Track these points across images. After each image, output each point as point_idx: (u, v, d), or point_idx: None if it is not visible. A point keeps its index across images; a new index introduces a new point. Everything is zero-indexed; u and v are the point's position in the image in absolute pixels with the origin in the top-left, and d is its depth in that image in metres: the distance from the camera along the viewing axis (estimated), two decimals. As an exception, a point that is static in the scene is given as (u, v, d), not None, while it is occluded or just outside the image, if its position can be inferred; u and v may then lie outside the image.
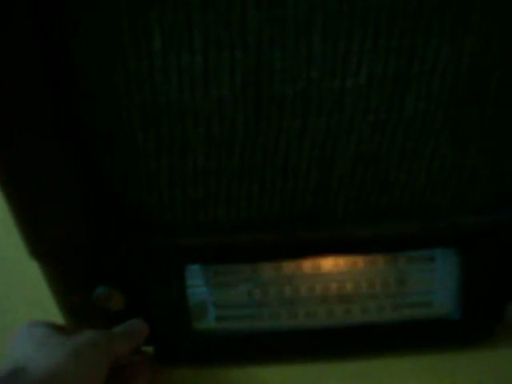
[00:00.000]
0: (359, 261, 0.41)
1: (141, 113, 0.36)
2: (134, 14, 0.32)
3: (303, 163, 0.38)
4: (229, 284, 0.42)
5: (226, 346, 0.43)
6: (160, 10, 0.33)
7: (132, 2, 0.32)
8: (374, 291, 0.42)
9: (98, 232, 0.39)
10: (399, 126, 0.37)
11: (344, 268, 0.41)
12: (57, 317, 0.43)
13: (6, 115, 0.34)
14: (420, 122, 0.37)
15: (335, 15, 0.33)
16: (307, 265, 0.41)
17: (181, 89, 0.35)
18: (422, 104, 0.36)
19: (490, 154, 0.38)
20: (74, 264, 0.39)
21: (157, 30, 0.33)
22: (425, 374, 0.43)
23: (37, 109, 0.34)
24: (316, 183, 0.38)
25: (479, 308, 0.42)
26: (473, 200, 0.40)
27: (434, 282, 0.42)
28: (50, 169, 0.35)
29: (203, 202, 0.39)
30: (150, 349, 0.43)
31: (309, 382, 0.43)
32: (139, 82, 0.35)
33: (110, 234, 0.39)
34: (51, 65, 0.33)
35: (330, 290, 0.42)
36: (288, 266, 0.41)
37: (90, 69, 0.34)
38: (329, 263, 0.41)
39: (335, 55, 0.34)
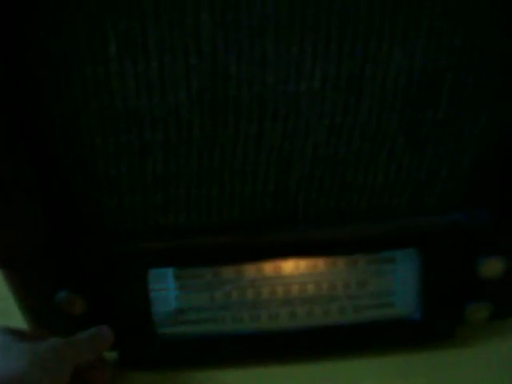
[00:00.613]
0: (320, 263, 0.41)
1: (99, 118, 0.36)
2: (89, 20, 0.33)
3: (261, 167, 0.38)
4: (191, 288, 0.42)
5: (189, 349, 0.43)
6: (114, 16, 0.33)
7: (87, 8, 0.33)
8: (335, 293, 0.43)
9: (59, 237, 0.39)
10: (355, 129, 0.37)
11: (305, 270, 0.41)
12: (21, 322, 0.43)
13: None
14: (375, 125, 0.37)
15: (287, 20, 0.34)
16: (268, 267, 0.41)
17: (137, 94, 0.35)
18: (376, 107, 0.37)
19: (446, 156, 0.39)
20: (35, 269, 0.39)
21: (112, 37, 0.34)
22: (387, 374, 0.43)
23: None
24: (275, 186, 0.39)
25: (440, 308, 0.43)
26: (431, 201, 0.40)
27: (394, 283, 0.42)
28: (7, 174, 0.35)
29: (163, 206, 0.39)
30: (113, 353, 0.44)
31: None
32: (96, 87, 0.35)
33: (71, 239, 0.39)
34: (8, 70, 0.34)
35: (292, 292, 0.42)
36: (249, 269, 0.41)
37: (46, 75, 0.34)
38: (290, 265, 0.41)
39: (289, 60, 0.35)
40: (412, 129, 0.37)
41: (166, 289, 0.41)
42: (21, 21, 0.32)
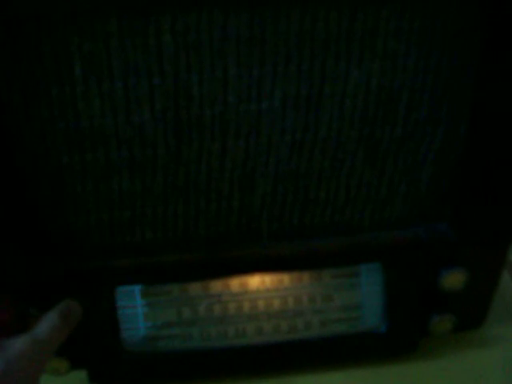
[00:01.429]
0: (285, 278, 0.42)
1: (65, 138, 0.37)
2: (55, 42, 0.34)
3: (225, 184, 0.39)
4: (158, 304, 0.42)
5: (158, 366, 0.43)
6: (79, 38, 0.34)
7: (53, 30, 0.34)
8: (301, 307, 0.43)
9: (27, 255, 0.39)
10: (315, 145, 0.38)
11: (271, 285, 0.42)
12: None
13: None
14: (335, 141, 0.38)
15: (247, 41, 0.35)
16: (235, 283, 0.42)
17: (103, 114, 0.36)
18: (335, 124, 0.38)
19: (405, 172, 0.40)
20: (3, 286, 0.40)
21: (77, 59, 0.35)
22: (353, 387, 0.44)
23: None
24: (239, 203, 0.40)
25: (404, 321, 0.44)
26: (392, 216, 0.41)
27: (359, 297, 0.43)
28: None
29: (130, 224, 0.40)
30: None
31: (241, 399, 0.44)
32: (62, 107, 0.36)
33: (39, 257, 0.40)
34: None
35: (258, 307, 0.43)
36: (216, 285, 0.42)
37: (14, 96, 0.35)
38: (256, 281, 0.42)
39: (250, 79, 0.36)
40: (371, 145, 0.39)
41: (133, 306, 0.41)
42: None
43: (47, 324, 0.37)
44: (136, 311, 0.42)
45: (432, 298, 0.43)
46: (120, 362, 0.42)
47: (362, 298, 0.43)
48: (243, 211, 0.40)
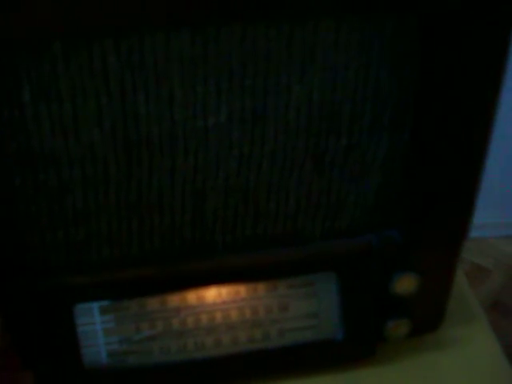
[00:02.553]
0: (241, 289, 0.43)
1: (16, 159, 0.37)
2: (1, 66, 0.35)
3: (177, 199, 0.40)
4: (117, 320, 0.43)
5: (119, 382, 0.44)
6: (27, 63, 0.35)
7: (0, 54, 0.35)
8: (258, 318, 0.44)
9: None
10: (263, 158, 0.39)
11: (227, 297, 0.43)
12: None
13: None
14: (282, 153, 0.39)
15: (190, 60, 0.36)
16: (192, 296, 0.42)
17: (53, 135, 0.37)
18: (281, 137, 0.39)
19: (352, 181, 0.41)
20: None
21: (25, 82, 0.35)
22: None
23: None
24: (192, 217, 0.41)
25: (360, 328, 0.44)
26: (342, 225, 0.42)
27: (315, 306, 0.44)
28: None
29: (85, 242, 0.40)
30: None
31: (203, 412, 0.44)
32: (12, 130, 0.36)
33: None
34: None
35: (216, 319, 0.43)
36: (173, 299, 0.42)
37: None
38: (212, 293, 0.42)
39: (195, 97, 0.37)
40: (318, 156, 0.40)
41: (92, 323, 0.42)
42: None
43: None
44: (95, 328, 0.42)
45: (386, 304, 0.44)
46: (81, 380, 0.42)
47: (318, 306, 0.44)
48: (196, 225, 0.41)
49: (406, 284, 0.43)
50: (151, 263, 0.41)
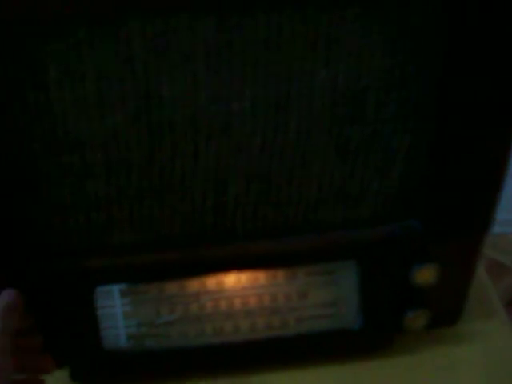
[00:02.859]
0: (261, 276, 0.43)
1: (41, 142, 0.38)
2: (28, 49, 0.35)
3: (199, 184, 0.40)
4: (137, 304, 0.43)
5: (137, 364, 0.44)
6: (52, 45, 0.35)
7: (27, 37, 0.35)
8: (276, 305, 0.44)
9: (7, 257, 0.40)
10: (286, 145, 0.39)
11: (246, 283, 0.43)
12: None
13: None
14: (305, 141, 0.39)
15: (216, 45, 0.36)
16: (211, 282, 0.42)
17: (77, 118, 0.37)
18: (305, 124, 0.39)
19: (375, 170, 0.41)
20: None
21: (51, 64, 0.36)
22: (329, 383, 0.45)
23: None
24: (213, 202, 0.41)
25: (379, 318, 0.44)
26: (365, 213, 0.42)
27: (334, 294, 0.44)
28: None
29: (107, 225, 0.41)
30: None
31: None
32: (37, 112, 0.37)
33: (19, 258, 0.41)
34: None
35: (235, 305, 0.43)
36: (192, 284, 0.42)
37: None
38: (232, 279, 0.43)
39: (219, 82, 0.37)
40: (341, 144, 0.39)
41: (112, 306, 0.42)
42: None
43: None
44: (115, 311, 0.43)
45: (405, 294, 0.44)
46: (100, 361, 0.43)
47: (337, 295, 0.44)
48: (217, 210, 0.41)
49: (426, 275, 0.43)
50: (171, 248, 0.41)
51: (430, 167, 0.40)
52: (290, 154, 0.39)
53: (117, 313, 0.43)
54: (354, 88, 0.38)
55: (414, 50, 0.37)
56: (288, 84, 0.37)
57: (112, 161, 0.38)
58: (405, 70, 0.38)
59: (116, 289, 0.42)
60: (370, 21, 0.36)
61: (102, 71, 0.35)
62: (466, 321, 0.47)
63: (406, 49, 0.37)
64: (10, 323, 0.38)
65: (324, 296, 0.44)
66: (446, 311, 0.46)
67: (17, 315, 0.39)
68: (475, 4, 0.35)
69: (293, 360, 0.44)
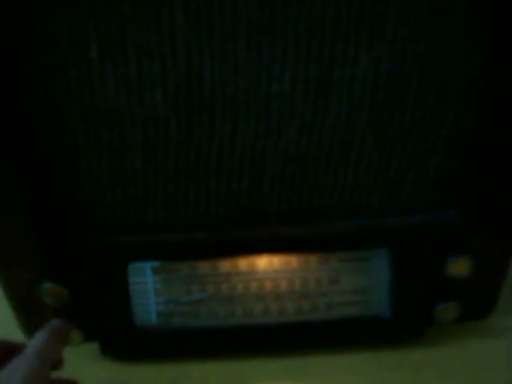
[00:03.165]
0: (293, 260, 0.43)
1: (81, 116, 0.38)
2: (71, 23, 0.35)
3: (235, 164, 0.40)
4: (169, 281, 0.43)
5: (167, 341, 0.44)
6: (95, 20, 0.35)
7: (70, 12, 0.35)
8: (307, 290, 0.44)
9: (43, 230, 0.41)
10: (324, 129, 0.39)
11: (278, 267, 0.43)
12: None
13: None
14: (344, 125, 0.39)
15: (257, 25, 0.36)
16: (243, 263, 0.43)
17: (117, 94, 0.37)
18: (344, 108, 0.38)
19: (414, 157, 0.40)
20: (19, 260, 0.41)
21: (93, 40, 0.36)
22: (358, 370, 0.44)
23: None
24: (248, 184, 0.41)
25: (410, 308, 0.44)
26: (400, 201, 0.42)
27: (366, 282, 0.44)
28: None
29: (143, 202, 0.41)
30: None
31: (247, 378, 0.44)
32: (78, 87, 0.37)
33: (55, 231, 0.41)
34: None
35: (265, 288, 0.43)
36: (224, 265, 0.43)
37: (32, 76, 0.36)
38: (263, 262, 0.43)
39: (260, 63, 0.37)
40: (380, 130, 0.39)
41: (144, 282, 0.43)
42: (7, 27, 0.35)
43: (38, 342, 0.37)
44: (147, 287, 0.43)
45: (437, 285, 0.43)
46: (131, 337, 0.43)
47: (369, 282, 0.44)
48: (253, 192, 0.41)
49: (459, 267, 0.42)
50: (205, 228, 0.41)
51: (470, 158, 0.40)
52: (327, 138, 0.39)
53: (148, 289, 0.43)
54: (397, 74, 0.37)
55: (460, 36, 0.36)
56: (329, 67, 0.37)
57: (150, 138, 0.38)
58: (450, 57, 0.37)
59: (148, 266, 0.42)
60: (415, 5, 0.36)
61: (143, 48, 0.36)
62: (499, 314, 0.47)
63: (451, 35, 0.36)
64: (56, 351, 0.37)
65: (355, 283, 0.43)
66: (478, 305, 0.45)
67: (63, 346, 0.38)
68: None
69: (321, 345, 0.44)
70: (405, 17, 0.35)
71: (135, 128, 0.38)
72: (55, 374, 0.39)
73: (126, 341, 0.44)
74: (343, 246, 0.42)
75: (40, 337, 0.37)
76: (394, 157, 0.40)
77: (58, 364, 0.40)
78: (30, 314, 0.44)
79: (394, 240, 0.42)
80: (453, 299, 0.44)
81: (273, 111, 0.38)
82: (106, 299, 0.42)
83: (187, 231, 0.41)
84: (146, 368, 0.45)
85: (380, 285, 0.44)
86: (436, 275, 0.43)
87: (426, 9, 0.35)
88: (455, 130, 0.39)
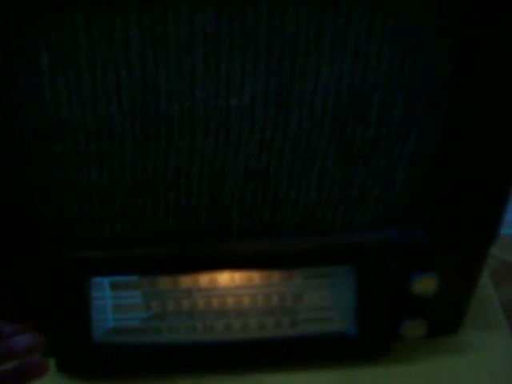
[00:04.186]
0: (255, 276, 0.42)
1: (33, 129, 0.37)
2: (21, 31, 0.34)
3: (194, 179, 0.39)
4: (127, 297, 0.42)
5: (126, 357, 0.43)
6: (46, 29, 0.34)
7: (19, 20, 0.34)
8: (270, 306, 0.43)
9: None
10: (285, 143, 0.38)
11: (240, 282, 0.42)
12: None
13: None
14: (306, 140, 0.38)
15: (215, 37, 0.34)
16: (204, 279, 0.41)
17: (70, 106, 0.36)
18: (306, 123, 0.37)
19: (378, 173, 0.39)
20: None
21: (44, 49, 0.35)
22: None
23: None
24: (208, 199, 0.39)
25: (375, 325, 0.43)
26: (364, 218, 0.41)
27: (330, 298, 0.43)
28: None
29: (99, 216, 0.40)
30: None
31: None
32: (30, 98, 0.36)
33: (11, 246, 0.40)
34: None
35: (227, 304, 0.42)
36: (185, 280, 0.42)
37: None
38: (225, 277, 0.42)
39: (218, 75, 0.36)
40: (343, 145, 0.38)
41: (103, 298, 0.42)
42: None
43: None
44: (105, 303, 0.42)
45: (403, 303, 0.42)
46: (88, 353, 0.42)
47: (333, 299, 0.43)
48: (213, 207, 0.40)
49: (425, 285, 0.41)
50: (165, 243, 0.40)
51: (435, 175, 0.39)
52: (289, 153, 0.38)
53: (107, 305, 0.42)
54: (359, 88, 0.36)
55: (424, 51, 0.35)
56: (289, 80, 0.35)
57: (105, 151, 0.37)
58: (414, 72, 0.36)
59: (107, 281, 0.41)
60: (379, 19, 0.34)
61: (97, 60, 0.34)
62: (466, 331, 0.46)
63: (414, 50, 0.35)
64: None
65: (319, 299, 0.43)
66: (446, 321, 0.45)
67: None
68: (487, 5, 0.33)
69: (286, 362, 0.43)
70: (368, 29, 0.34)
71: (90, 141, 0.37)
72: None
73: (84, 357, 0.43)
74: (307, 262, 0.41)
75: None
76: (358, 173, 0.39)
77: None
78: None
79: (358, 257, 0.41)
80: (420, 316, 0.43)
81: (232, 125, 0.37)
82: (63, 315, 0.41)
83: (146, 246, 0.40)
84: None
85: (345, 302, 0.43)
86: (402, 292, 0.42)
87: (391, 22, 0.35)
88: (420, 146, 0.38)
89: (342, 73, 0.36)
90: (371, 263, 0.41)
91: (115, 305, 0.42)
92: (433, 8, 0.34)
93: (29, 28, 0.33)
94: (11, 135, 0.36)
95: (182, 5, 0.33)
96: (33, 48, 0.34)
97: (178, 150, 0.37)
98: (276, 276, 0.42)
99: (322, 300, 0.43)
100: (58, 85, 0.35)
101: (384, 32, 0.34)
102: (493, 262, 0.97)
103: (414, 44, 0.35)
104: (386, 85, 0.36)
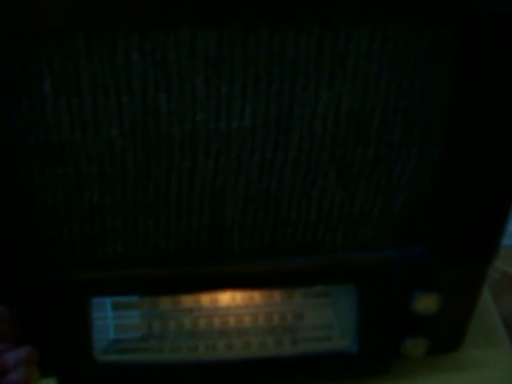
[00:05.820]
0: (256, 295, 0.42)
1: (35, 151, 0.37)
2: (24, 57, 0.34)
3: (195, 201, 0.39)
4: (129, 317, 0.43)
5: (127, 377, 0.43)
6: (48, 54, 0.34)
7: (22, 45, 0.34)
8: (271, 325, 0.43)
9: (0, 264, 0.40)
10: (286, 165, 0.38)
11: (241, 302, 0.42)
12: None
13: None
14: (306, 161, 0.38)
15: (216, 61, 0.35)
16: (205, 299, 0.42)
17: (72, 129, 0.36)
18: (306, 145, 0.37)
19: (378, 194, 0.40)
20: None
21: (46, 74, 0.35)
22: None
23: None
24: (209, 220, 0.40)
25: (376, 343, 0.43)
26: (365, 237, 0.41)
27: (331, 317, 0.43)
28: None
29: (101, 237, 0.40)
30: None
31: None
32: (32, 122, 0.36)
33: (11, 267, 0.40)
34: None
35: (229, 323, 0.43)
36: (186, 300, 0.42)
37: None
38: (226, 297, 0.42)
39: (219, 98, 0.36)
40: (343, 167, 0.38)
41: (104, 317, 0.42)
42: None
43: None
44: (107, 323, 0.42)
45: (404, 321, 0.42)
46: (89, 372, 0.42)
47: (334, 317, 0.43)
48: (214, 228, 0.40)
49: (426, 303, 0.41)
50: (166, 263, 0.40)
51: (435, 194, 0.39)
52: (289, 175, 0.38)
53: (108, 325, 0.42)
54: (358, 111, 0.36)
55: (422, 73, 0.35)
56: (289, 103, 0.36)
57: (107, 173, 0.37)
58: (413, 95, 0.36)
59: (108, 301, 0.42)
60: (378, 42, 0.35)
61: (98, 83, 0.35)
62: (467, 348, 0.46)
63: (413, 72, 0.35)
64: None
65: (320, 318, 0.43)
66: (447, 339, 0.45)
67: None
68: (486, 32, 0.34)
69: (287, 381, 0.44)
70: (367, 53, 0.35)
71: (92, 163, 0.37)
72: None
73: (85, 376, 0.43)
74: (307, 281, 0.41)
75: None
76: (358, 193, 0.39)
77: None
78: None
79: (359, 276, 0.41)
80: (421, 334, 0.43)
81: (233, 147, 0.37)
82: (64, 334, 0.41)
83: (147, 266, 0.40)
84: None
85: (346, 320, 0.43)
86: (403, 310, 0.42)
87: (390, 46, 0.35)
88: (420, 165, 0.39)
89: (342, 95, 0.36)
90: (372, 282, 0.41)
91: (116, 324, 0.42)
92: (431, 31, 0.34)
93: (32, 53, 0.34)
94: (14, 158, 0.37)
95: (183, 30, 0.33)
96: (35, 73, 0.34)
97: (179, 171, 0.38)
98: (277, 295, 0.42)
99: (323, 318, 0.43)
100: (61, 109, 0.35)
101: (383, 55, 0.35)
102: (493, 272, 0.97)
103: (412, 66, 0.35)
104: (386, 106, 0.36)
